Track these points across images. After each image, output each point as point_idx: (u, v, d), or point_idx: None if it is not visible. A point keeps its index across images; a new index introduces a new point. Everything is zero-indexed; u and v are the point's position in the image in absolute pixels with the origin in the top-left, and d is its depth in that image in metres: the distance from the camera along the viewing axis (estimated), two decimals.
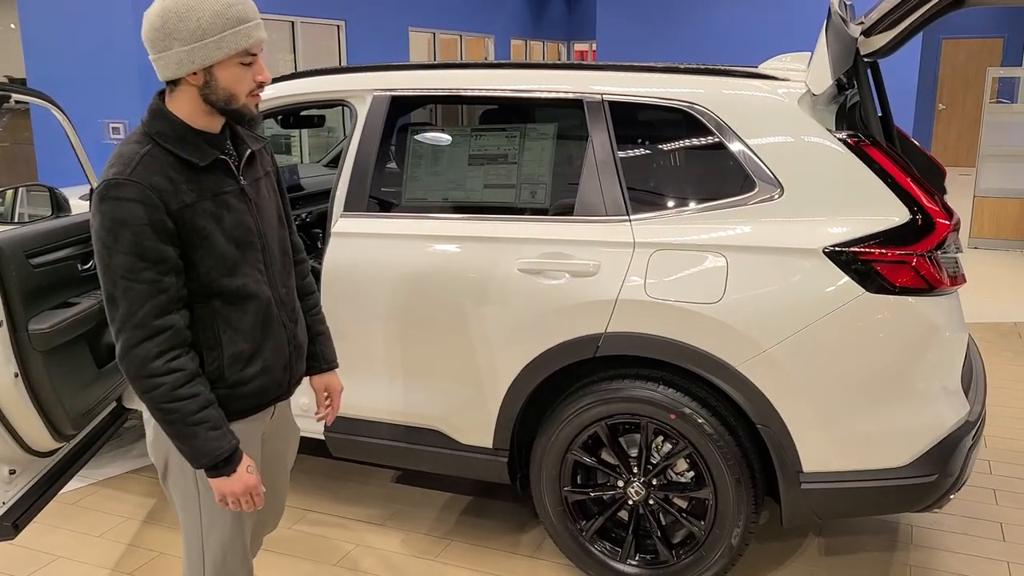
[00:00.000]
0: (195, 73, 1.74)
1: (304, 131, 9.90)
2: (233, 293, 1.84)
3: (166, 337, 1.75)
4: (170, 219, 1.74)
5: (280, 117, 3.72)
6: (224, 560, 1.98)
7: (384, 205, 3.08)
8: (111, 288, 1.72)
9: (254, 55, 1.78)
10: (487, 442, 2.90)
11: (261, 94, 1.84)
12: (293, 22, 9.98)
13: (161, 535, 3.23)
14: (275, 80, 3.29)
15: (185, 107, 1.79)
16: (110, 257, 1.70)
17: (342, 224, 3.00)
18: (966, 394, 2.64)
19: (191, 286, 1.80)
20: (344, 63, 10.69)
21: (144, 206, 1.70)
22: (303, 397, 3.15)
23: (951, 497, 2.57)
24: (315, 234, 4.52)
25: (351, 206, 3.00)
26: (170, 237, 1.74)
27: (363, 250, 2.94)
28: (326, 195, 4.55)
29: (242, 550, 2.01)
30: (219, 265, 1.82)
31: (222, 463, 1.81)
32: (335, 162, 5.09)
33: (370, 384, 3.01)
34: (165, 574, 2.98)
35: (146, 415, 1.94)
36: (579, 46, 19.01)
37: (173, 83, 1.78)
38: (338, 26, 10.69)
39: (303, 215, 4.40)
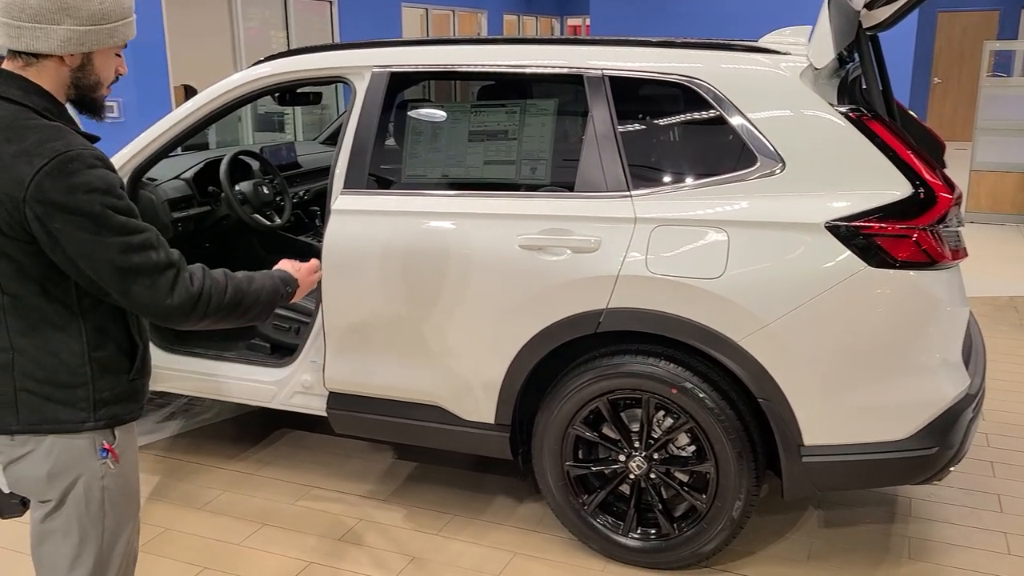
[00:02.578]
0: (74, 54, 1.67)
1: (298, 109, 9.84)
2: None
3: (185, 265, 1.76)
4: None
5: (277, 95, 3.69)
6: (125, 566, 1.90)
7: (384, 182, 3.06)
8: (117, 256, 1.62)
9: (123, 47, 1.77)
10: (489, 418, 2.92)
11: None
12: None
13: (166, 511, 3.25)
14: (272, 57, 3.27)
15: (47, 85, 1.68)
16: (101, 227, 1.60)
17: (342, 201, 2.99)
18: (966, 367, 2.66)
19: None
20: (337, 40, 10.60)
21: (108, 170, 1.64)
22: (305, 374, 3.16)
23: (951, 470, 2.60)
24: (313, 212, 4.51)
25: (351, 183, 2.99)
26: None
27: (363, 227, 2.94)
28: (323, 173, 4.53)
29: (135, 547, 1.95)
30: None
31: (292, 284, 1.99)
32: (331, 140, 5.07)
33: (371, 361, 3.02)
34: (171, 549, 3.00)
35: (17, 451, 1.76)
36: (572, 21, 18.89)
37: (33, 56, 1.65)
38: (330, 2, 10.60)
39: (301, 193, 4.39)
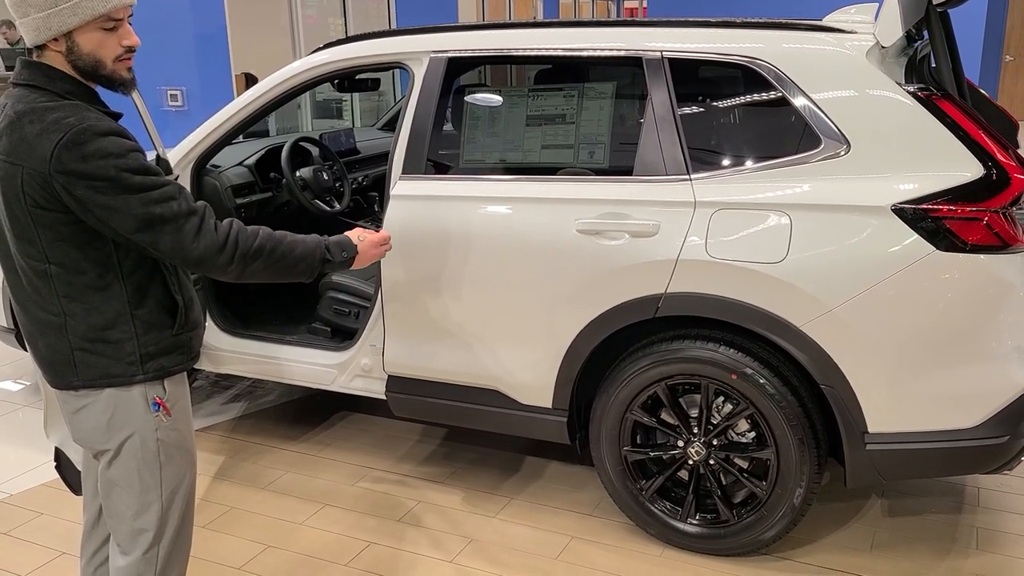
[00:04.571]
0: (56, 40, 1.74)
1: (356, 95, 9.92)
2: None
3: (211, 213, 1.86)
4: None
5: (336, 81, 3.73)
6: (184, 517, 2.01)
7: (442, 167, 3.08)
8: (140, 210, 1.73)
9: (118, 20, 1.77)
10: (547, 402, 2.92)
11: (131, 58, 1.83)
12: None
13: (231, 490, 3.33)
14: (330, 45, 3.30)
15: (63, 70, 1.78)
16: (121, 187, 1.71)
17: (401, 187, 3.01)
18: None
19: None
20: (394, 26, 10.66)
21: (124, 138, 1.75)
22: (364, 358, 3.20)
23: (1022, 459, 2.53)
24: (372, 197, 4.56)
25: (409, 168, 3.02)
26: None
27: (422, 212, 2.96)
28: (382, 158, 4.58)
29: (193, 500, 2.05)
30: None
31: (349, 249, 2.06)
32: (389, 126, 5.11)
33: (430, 345, 3.04)
34: (236, 527, 3.08)
35: (79, 403, 1.89)
36: (629, 3, 18.68)
37: (40, 48, 1.77)
38: None
39: (359, 178, 4.43)
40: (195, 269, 1.85)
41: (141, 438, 1.91)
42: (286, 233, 2.00)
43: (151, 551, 1.96)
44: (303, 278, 2.03)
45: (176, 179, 3.11)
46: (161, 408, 1.92)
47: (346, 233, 2.17)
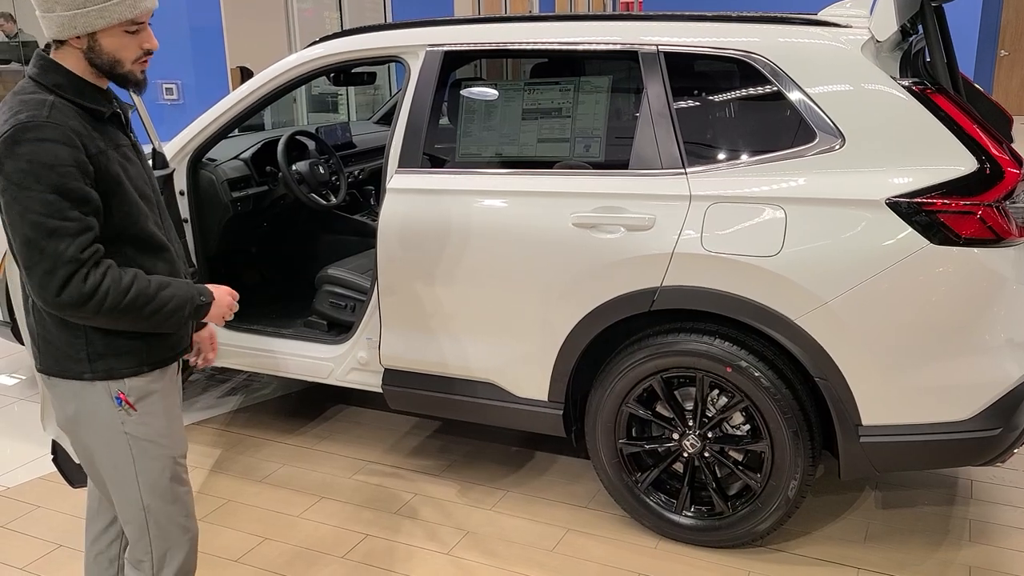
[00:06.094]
0: (79, 37, 1.76)
1: (352, 89, 9.90)
2: (146, 241, 1.87)
3: (95, 261, 1.75)
4: (89, 162, 1.74)
5: (332, 75, 3.73)
6: (168, 512, 1.99)
7: (438, 161, 3.09)
8: (30, 231, 1.68)
9: (141, 23, 1.79)
10: (542, 395, 2.93)
11: (148, 61, 1.84)
12: None
13: (229, 483, 3.34)
14: (326, 38, 3.30)
15: (73, 66, 1.80)
16: (27, 199, 1.67)
17: (397, 180, 3.02)
18: None
19: (104, 232, 1.79)
20: (389, 19, 10.64)
21: (67, 147, 1.69)
22: (361, 351, 3.21)
23: (1014, 451, 2.55)
24: (368, 191, 4.56)
25: (405, 162, 3.02)
26: (91, 180, 1.75)
27: (418, 205, 2.97)
28: (378, 152, 4.57)
29: (182, 493, 2.01)
30: (133, 211, 1.83)
31: (207, 295, 1.92)
32: (385, 119, 5.11)
33: (426, 338, 3.05)
34: (233, 519, 3.09)
35: (51, 386, 1.89)
36: None
37: (59, 42, 1.79)
38: None
39: (356, 172, 4.44)
40: (50, 310, 1.78)
41: (109, 433, 1.89)
42: (163, 283, 1.85)
43: (140, 542, 1.98)
44: (170, 330, 1.94)
45: (172, 172, 3.12)
46: (124, 403, 1.89)
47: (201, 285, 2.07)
